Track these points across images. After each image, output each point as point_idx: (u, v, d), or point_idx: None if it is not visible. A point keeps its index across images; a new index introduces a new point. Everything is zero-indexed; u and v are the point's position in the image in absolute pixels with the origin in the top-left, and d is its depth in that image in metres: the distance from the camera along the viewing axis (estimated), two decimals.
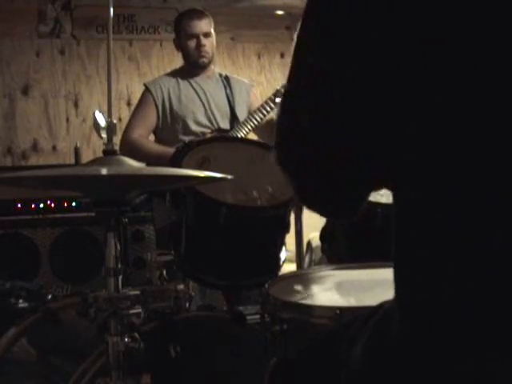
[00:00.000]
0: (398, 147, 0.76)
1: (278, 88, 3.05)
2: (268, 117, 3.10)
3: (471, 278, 0.72)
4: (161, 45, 4.82)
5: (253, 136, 3.14)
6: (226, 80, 3.20)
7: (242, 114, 3.13)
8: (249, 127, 3.04)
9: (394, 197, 0.81)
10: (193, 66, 3.13)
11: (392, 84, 0.74)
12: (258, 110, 3.06)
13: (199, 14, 3.12)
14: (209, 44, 3.09)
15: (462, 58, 0.70)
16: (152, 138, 3.17)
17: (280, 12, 4.81)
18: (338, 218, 0.93)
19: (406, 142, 0.75)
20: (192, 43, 3.08)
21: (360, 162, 0.79)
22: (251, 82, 3.60)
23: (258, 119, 3.04)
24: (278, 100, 2.99)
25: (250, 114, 3.09)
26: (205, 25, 3.09)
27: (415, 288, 0.77)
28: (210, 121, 3.10)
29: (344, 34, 0.76)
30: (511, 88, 0.69)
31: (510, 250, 0.70)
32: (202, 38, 3.07)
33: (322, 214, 0.89)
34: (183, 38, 3.10)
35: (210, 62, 3.14)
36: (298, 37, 0.82)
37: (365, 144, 0.78)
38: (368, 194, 0.85)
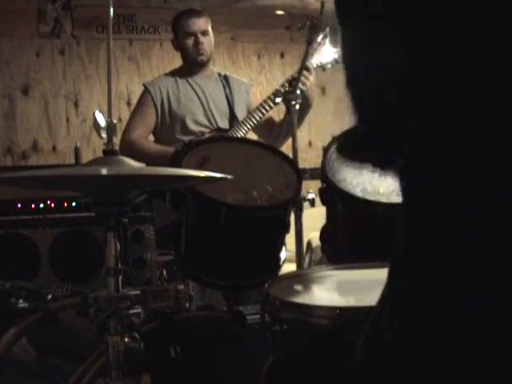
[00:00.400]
0: (418, 139, 0.76)
1: (278, 88, 3.05)
2: (267, 116, 3.10)
3: (490, 271, 0.72)
4: (161, 45, 4.82)
5: (252, 135, 3.14)
6: (226, 79, 3.20)
7: (241, 114, 3.13)
8: (248, 126, 3.04)
9: (405, 193, 0.81)
10: (191, 65, 3.13)
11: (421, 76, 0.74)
12: (258, 109, 3.05)
13: (197, 13, 3.15)
14: (207, 42, 3.10)
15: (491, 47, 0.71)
16: (151, 138, 3.17)
17: (280, 12, 4.81)
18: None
19: (426, 134, 0.75)
20: (190, 41, 3.09)
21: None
22: (251, 82, 3.60)
23: (258, 118, 3.04)
24: (277, 100, 2.98)
25: (249, 113, 3.09)
26: (203, 23, 3.10)
27: (421, 283, 0.77)
28: (208, 120, 3.10)
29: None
30: None
31: None
32: (199, 35, 3.08)
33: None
34: (181, 37, 3.11)
35: (208, 60, 3.14)
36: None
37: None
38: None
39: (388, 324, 0.80)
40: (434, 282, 0.75)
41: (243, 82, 3.34)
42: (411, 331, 0.77)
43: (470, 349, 0.73)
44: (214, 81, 3.18)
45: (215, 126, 3.09)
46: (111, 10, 2.02)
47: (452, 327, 0.74)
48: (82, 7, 4.64)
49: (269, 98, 3.05)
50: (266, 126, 3.14)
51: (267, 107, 3.04)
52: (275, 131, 3.04)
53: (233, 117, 3.12)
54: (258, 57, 5.09)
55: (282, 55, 5.12)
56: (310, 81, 2.87)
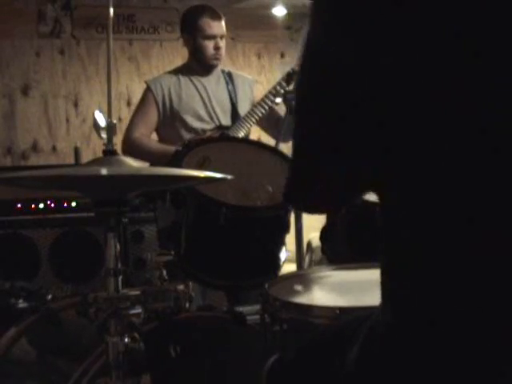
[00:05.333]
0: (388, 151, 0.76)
1: (279, 81, 3.04)
2: (271, 110, 3.07)
3: (480, 277, 0.72)
4: (161, 45, 4.81)
5: (256, 130, 3.13)
6: (229, 76, 3.18)
7: (244, 110, 3.09)
8: (250, 122, 3.02)
9: (384, 200, 0.81)
10: (204, 67, 3.10)
11: (384, 89, 0.74)
12: (259, 104, 3.03)
13: (219, 15, 3.09)
14: (223, 46, 3.09)
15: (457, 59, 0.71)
16: (155, 136, 3.16)
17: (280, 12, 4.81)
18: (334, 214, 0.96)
19: (397, 147, 0.75)
20: (210, 44, 3.04)
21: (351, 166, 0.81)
22: (254, 78, 3.57)
23: (259, 114, 3.02)
24: (278, 100, 2.97)
25: (251, 108, 3.06)
26: (223, 26, 3.08)
27: (416, 287, 0.77)
28: (210, 117, 3.08)
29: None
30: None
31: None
32: (219, 40, 3.05)
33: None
34: (200, 37, 3.05)
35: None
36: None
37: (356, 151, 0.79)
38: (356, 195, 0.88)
39: (384, 326, 0.81)
40: (423, 283, 0.75)
41: (247, 78, 3.31)
42: (405, 333, 0.77)
43: (464, 348, 0.73)
44: (216, 78, 3.16)
45: (217, 123, 3.08)
46: (111, 10, 2.02)
47: (462, 329, 0.74)
48: (81, 7, 4.63)
49: (270, 92, 3.04)
50: (272, 120, 3.11)
51: (269, 102, 3.02)
52: (280, 125, 3.02)
53: (236, 114, 3.10)
54: (257, 57, 5.08)
55: (282, 55, 5.12)
56: None
